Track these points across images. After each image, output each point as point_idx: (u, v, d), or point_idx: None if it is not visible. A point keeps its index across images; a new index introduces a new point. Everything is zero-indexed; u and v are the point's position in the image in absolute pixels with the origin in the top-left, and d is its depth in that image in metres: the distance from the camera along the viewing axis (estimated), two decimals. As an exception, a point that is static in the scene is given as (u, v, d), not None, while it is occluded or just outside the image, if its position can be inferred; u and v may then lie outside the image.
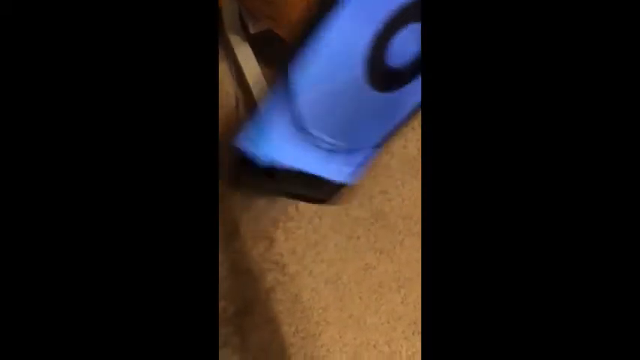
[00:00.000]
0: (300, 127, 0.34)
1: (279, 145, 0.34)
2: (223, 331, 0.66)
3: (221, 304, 0.66)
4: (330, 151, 0.36)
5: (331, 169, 0.38)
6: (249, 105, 0.62)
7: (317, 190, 0.38)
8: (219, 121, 0.59)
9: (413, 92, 0.42)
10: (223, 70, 0.65)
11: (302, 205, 0.68)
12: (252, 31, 0.66)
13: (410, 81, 0.41)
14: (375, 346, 0.68)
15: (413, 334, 0.68)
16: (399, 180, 0.69)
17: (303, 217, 0.68)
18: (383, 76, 0.38)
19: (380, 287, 0.70)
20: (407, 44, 0.36)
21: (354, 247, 0.70)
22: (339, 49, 0.32)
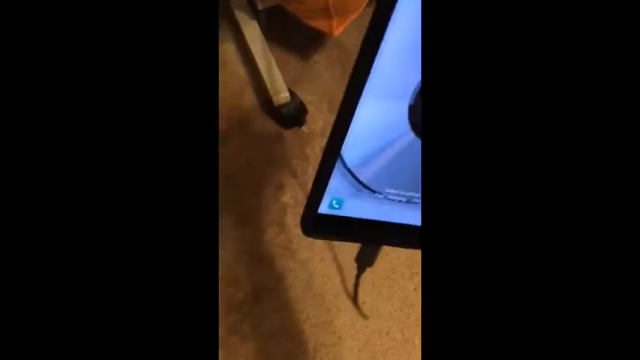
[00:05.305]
0: (362, 188, 0.33)
1: (349, 202, 0.33)
2: (232, 318, 0.65)
3: (230, 290, 0.65)
4: (400, 202, 0.35)
5: (410, 216, 0.37)
6: (257, 85, 0.59)
7: (407, 236, 0.36)
8: (227, 102, 0.57)
9: None
10: (230, 49, 0.63)
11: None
12: (260, 7, 0.64)
13: None
14: (387, 333, 0.67)
15: (426, 321, 0.67)
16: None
17: (313, 201, 0.66)
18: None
19: (393, 274, 0.69)
20: None
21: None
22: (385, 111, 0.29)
